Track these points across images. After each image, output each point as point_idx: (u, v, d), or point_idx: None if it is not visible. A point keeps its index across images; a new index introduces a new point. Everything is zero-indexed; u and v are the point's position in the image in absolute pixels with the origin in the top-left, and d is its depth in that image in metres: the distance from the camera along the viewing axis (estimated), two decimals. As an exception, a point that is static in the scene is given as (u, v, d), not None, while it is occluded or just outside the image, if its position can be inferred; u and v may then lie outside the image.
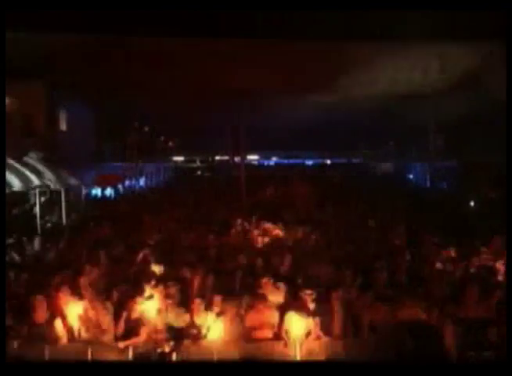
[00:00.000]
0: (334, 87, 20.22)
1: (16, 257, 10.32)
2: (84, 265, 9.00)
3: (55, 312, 6.95)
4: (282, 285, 7.70)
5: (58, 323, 6.65)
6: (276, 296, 7.52)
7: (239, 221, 14.60)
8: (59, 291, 7.40)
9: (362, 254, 10.75)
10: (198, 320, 6.95)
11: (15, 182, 13.07)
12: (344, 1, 6.22)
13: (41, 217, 14.88)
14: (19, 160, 13.47)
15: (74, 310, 6.94)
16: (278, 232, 13.51)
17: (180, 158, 46.19)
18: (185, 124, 31.56)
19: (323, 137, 35.06)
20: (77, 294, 7.61)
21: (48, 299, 7.15)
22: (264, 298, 7.25)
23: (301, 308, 6.89)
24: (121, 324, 6.82)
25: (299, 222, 14.87)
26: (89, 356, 6.17)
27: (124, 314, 6.93)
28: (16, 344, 6.17)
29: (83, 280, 8.15)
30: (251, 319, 6.90)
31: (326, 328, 6.82)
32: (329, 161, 46.85)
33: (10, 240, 11.07)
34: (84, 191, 22.99)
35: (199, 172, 45.49)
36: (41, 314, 6.90)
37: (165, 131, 38.02)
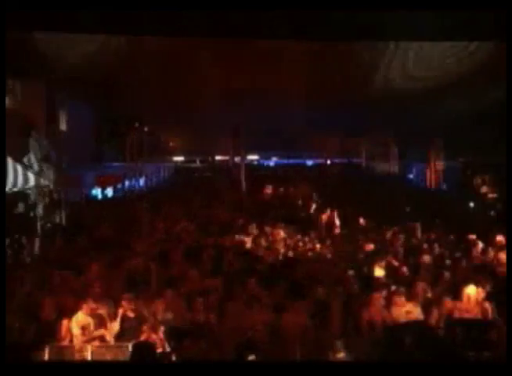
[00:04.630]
0: (335, 87, 20.23)
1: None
2: (86, 264, 9.03)
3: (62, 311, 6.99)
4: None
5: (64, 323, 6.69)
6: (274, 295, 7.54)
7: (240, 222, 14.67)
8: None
9: (362, 253, 10.78)
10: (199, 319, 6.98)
11: (15, 182, 13.06)
12: (345, 2, 6.22)
13: (41, 217, 14.86)
14: (19, 160, 13.45)
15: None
16: (277, 232, 13.53)
17: (180, 158, 46.10)
18: (185, 124, 31.56)
19: (324, 137, 35.05)
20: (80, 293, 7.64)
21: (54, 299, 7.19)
22: (261, 298, 7.27)
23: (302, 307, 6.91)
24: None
25: (298, 222, 14.91)
26: (89, 356, 6.18)
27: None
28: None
29: (85, 280, 8.20)
30: (251, 318, 6.91)
31: (325, 327, 6.84)
32: (329, 161, 46.74)
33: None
34: (84, 191, 23.00)
35: (199, 172, 45.39)
36: (48, 313, 6.93)
37: (165, 132, 38.00)
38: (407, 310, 6.82)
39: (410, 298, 7.19)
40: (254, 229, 13.90)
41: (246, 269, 9.28)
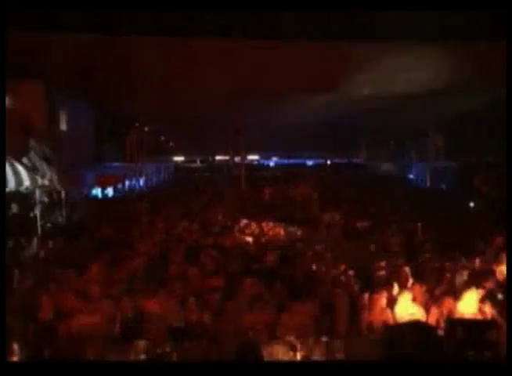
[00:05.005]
0: (335, 87, 20.23)
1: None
2: (87, 264, 9.04)
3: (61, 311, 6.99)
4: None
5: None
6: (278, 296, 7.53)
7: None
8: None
9: (363, 253, 10.77)
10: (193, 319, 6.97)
11: (15, 182, 13.06)
12: (344, 1, 6.22)
13: (42, 217, 14.88)
14: (19, 160, 13.45)
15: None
16: (277, 232, 13.53)
17: (180, 158, 46.12)
18: (185, 124, 31.58)
19: (324, 137, 35.08)
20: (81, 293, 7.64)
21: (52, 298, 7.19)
22: (262, 297, 7.26)
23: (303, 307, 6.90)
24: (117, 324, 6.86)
25: (298, 221, 14.90)
26: (89, 356, 6.17)
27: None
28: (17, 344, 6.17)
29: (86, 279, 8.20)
30: (250, 319, 6.91)
31: (328, 327, 6.83)
32: (329, 162, 46.77)
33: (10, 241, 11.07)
34: (84, 191, 23.00)
35: (199, 172, 45.41)
36: (46, 313, 6.92)
37: (165, 131, 38.02)
38: (411, 312, 6.80)
39: (413, 299, 7.17)
40: (254, 228, 13.91)
41: (246, 269, 9.29)
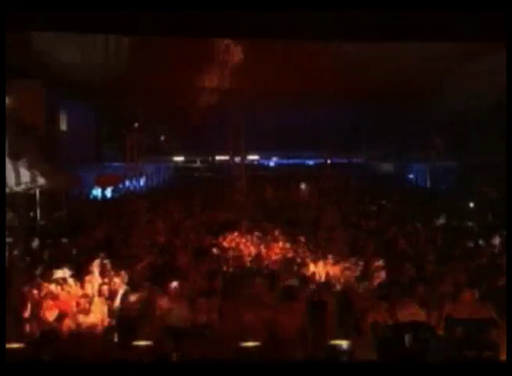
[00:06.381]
0: (335, 87, 20.23)
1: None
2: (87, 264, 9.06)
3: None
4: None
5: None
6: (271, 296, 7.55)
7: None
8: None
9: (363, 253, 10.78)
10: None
11: (15, 183, 13.06)
12: (343, 1, 6.23)
13: (41, 217, 14.88)
14: (19, 160, 13.45)
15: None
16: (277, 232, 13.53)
17: (180, 158, 46.05)
18: (185, 124, 31.55)
19: (324, 137, 35.03)
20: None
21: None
22: (258, 298, 7.27)
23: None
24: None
25: (298, 222, 14.90)
26: (89, 356, 6.17)
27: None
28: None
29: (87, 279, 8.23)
30: (248, 319, 6.91)
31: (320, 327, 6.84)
32: (329, 161, 46.69)
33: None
34: (84, 191, 23.01)
35: (199, 172, 45.30)
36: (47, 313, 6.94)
37: (165, 132, 37.98)
38: (412, 312, 6.79)
39: (415, 300, 7.16)
40: (254, 229, 13.90)
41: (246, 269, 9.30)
